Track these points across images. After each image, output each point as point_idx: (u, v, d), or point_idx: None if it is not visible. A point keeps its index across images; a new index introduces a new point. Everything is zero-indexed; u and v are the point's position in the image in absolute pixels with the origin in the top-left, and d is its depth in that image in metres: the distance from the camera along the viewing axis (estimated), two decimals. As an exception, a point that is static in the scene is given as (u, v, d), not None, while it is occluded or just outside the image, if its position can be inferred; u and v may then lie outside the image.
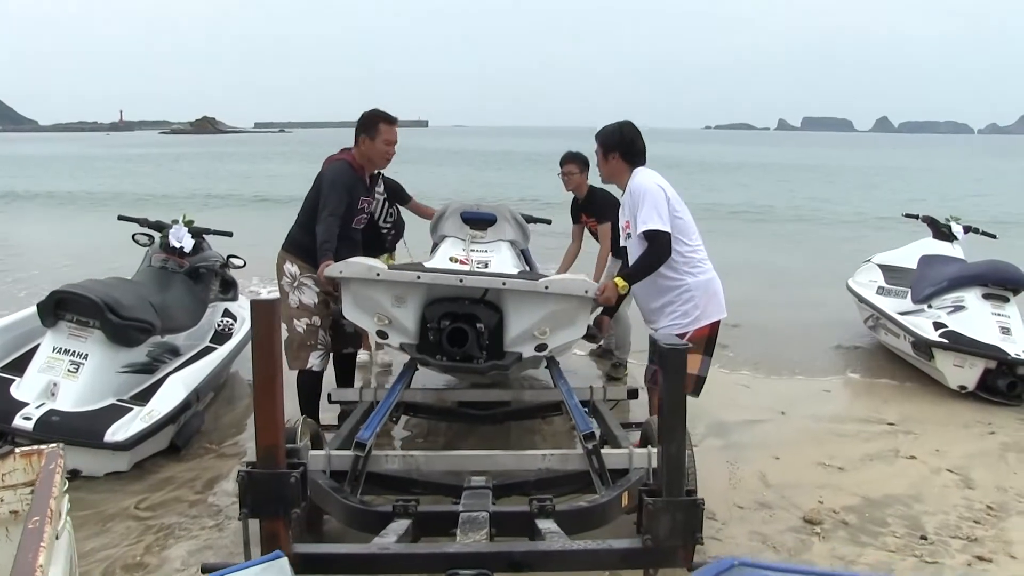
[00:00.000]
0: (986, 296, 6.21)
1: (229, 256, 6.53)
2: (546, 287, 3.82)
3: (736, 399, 5.89)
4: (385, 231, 5.56)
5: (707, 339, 4.12)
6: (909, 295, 6.87)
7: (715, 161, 51.05)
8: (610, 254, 5.83)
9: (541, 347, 4.00)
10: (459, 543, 2.51)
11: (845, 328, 7.81)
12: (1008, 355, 5.66)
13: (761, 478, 4.48)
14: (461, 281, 3.85)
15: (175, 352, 5.62)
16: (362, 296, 4.03)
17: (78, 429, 4.30)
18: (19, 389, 4.49)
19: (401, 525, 2.62)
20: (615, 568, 2.74)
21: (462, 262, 4.42)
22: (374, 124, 4.54)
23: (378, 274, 3.90)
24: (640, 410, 4.83)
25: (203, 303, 6.04)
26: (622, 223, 4.32)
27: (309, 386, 4.79)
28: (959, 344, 5.82)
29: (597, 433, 3.19)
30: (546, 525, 2.62)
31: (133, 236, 6.35)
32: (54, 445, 2.46)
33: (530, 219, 6.10)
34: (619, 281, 4.08)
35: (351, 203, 4.51)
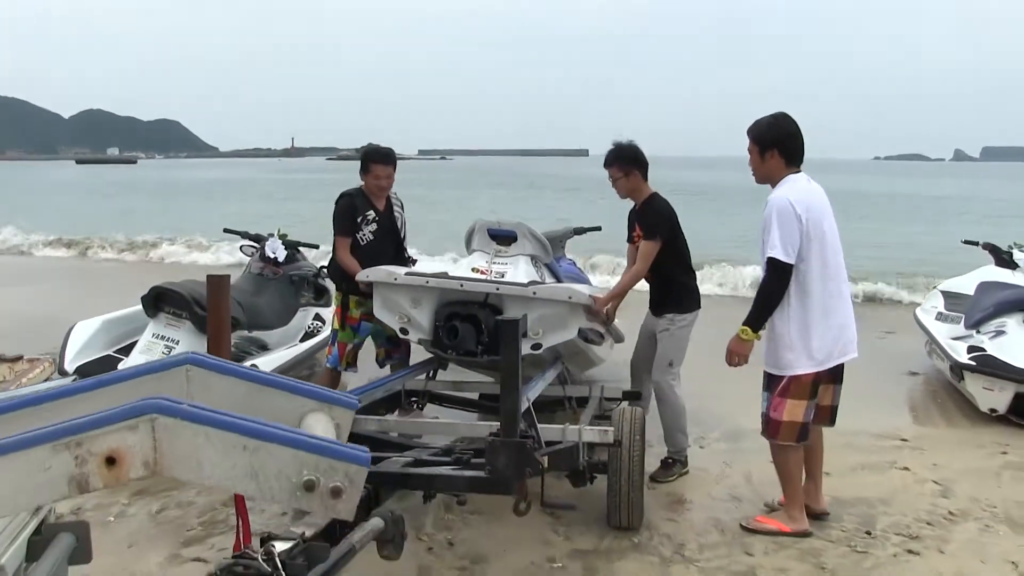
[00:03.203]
0: (1029, 321, 6.26)
1: (321, 266, 7.45)
2: (534, 293, 4.41)
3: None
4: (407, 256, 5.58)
5: (810, 386, 3.90)
6: (963, 321, 6.94)
7: (882, 192, 48.79)
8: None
9: (536, 346, 4.56)
10: None
11: (906, 355, 7.86)
12: (1037, 380, 5.71)
13: (747, 476, 4.85)
14: (461, 286, 4.51)
15: (263, 347, 6.54)
16: (388, 298, 4.75)
17: (165, 401, 5.23)
18: (124, 366, 5.49)
19: None
20: (464, 490, 3.31)
21: (482, 272, 5.05)
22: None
23: (396, 278, 4.62)
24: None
25: (292, 307, 6.96)
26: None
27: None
28: (988, 367, 5.91)
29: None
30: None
31: (241, 247, 7.41)
32: (45, 356, 3.20)
33: (581, 230, 6.65)
34: (742, 331, 3.90)
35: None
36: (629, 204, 5.00)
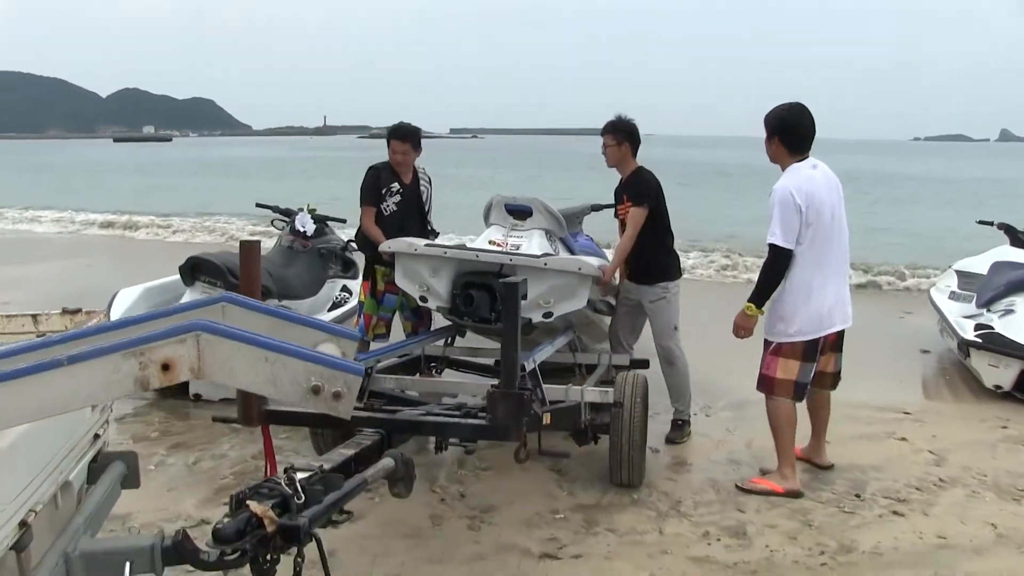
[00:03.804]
0: (1037, 300, 6.40)
1: (349, 240, 7.74)
2: (545, 264, 4.65)
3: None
4: (431, 228, 5.80)
5: (802, 350, 4.24)
6: (974, 300, 7.07)
7: (919, 175, 48.17)
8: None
9: (548, 314, 4.80)
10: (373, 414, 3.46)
11: (920, 334, 8.00)
12: (1041, 357, 5.86)
13: (748, 443, 5.08)
14: (477, 256, 4.76)
15: (292, 315, 6.85)
16: (409, 268, 5.02)
17: (200, 363, 5.57)
18: (163, 330, 5.84)
19: None
20: (469, 437, 3.60)
21: (499, 244, 5.30)
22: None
23: (416, 249, 4.89)
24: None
25: (320, 278, 7.26)
26: None
27: None
28: (993, 344, 6.07)
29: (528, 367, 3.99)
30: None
31: (272, 221, 7.73)
32: (99, 311, 3.53)
33: (598, 207, 6.88)
34: (747, 308, 4.28)
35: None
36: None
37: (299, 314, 2.40)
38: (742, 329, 4.37)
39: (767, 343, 4.37)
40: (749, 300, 4.32)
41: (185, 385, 5.66)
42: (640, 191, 5.06)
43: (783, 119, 4.26)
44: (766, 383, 4.38)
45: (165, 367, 1.69)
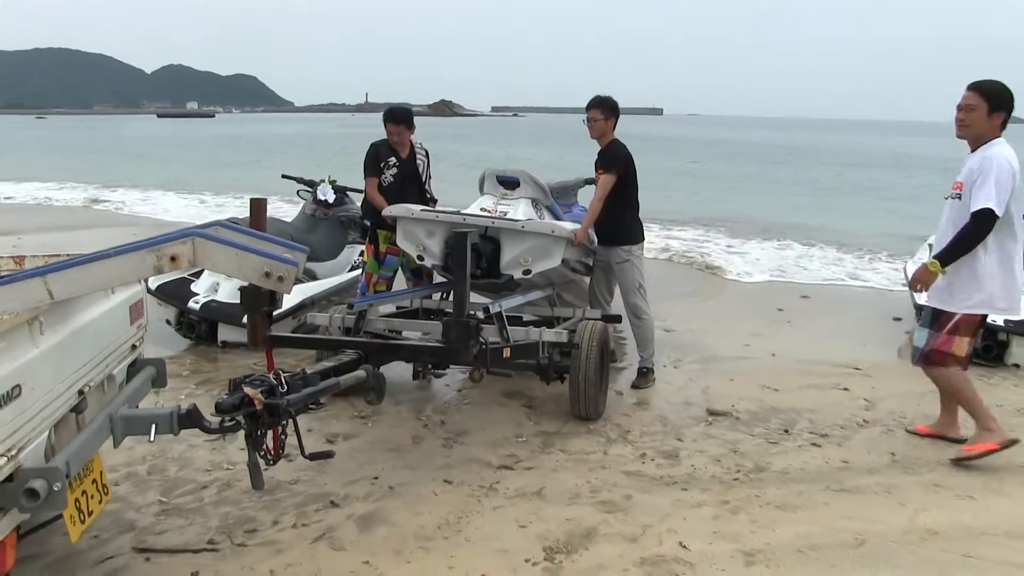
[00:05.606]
0: (988, 269, 6.91)
1: (367, 211, 8.47)
2: (522, 227, 5.33)
3: (747, 342, 7.03)
4: (429, 196, 6.39)
5: (975, 325, 4.39)
6: (940, 271, 7.59)
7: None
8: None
9: (527, 272, 5.48)
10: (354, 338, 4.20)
11: (901, 305, 8.50)
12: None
13: (704, 390, 5.73)
14: (464, 219, 5.45)
15: (313, 276, 7.61)
16: (408, 230, 5.72)
17: (227, 313, 6.35)
18: (196, 285, 6.64)
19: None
20: (430, 358, 4.32)
21: (489, 211, 5.98)
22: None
23: (412, 213, 5.59)
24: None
25: (340, 243, 8.02)
26: (954, 181, 4.38)
27: None
28: (940, 307, 6.61)
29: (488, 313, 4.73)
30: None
31: (298, 192, 8.50)
32: None
33: (591, 180, 7.49)
34: (932, 264, 4.27)
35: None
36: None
37: (268, 235, 3.19)
38: (921, 283, 4.43)
39: (942, 319, 4.44)
40: (935, 257, 4.33)
41: (214, 333, 6.47)
42: (611, 160, 5.74)
43: (1011, 99, 4.28)
44: (935, 358, 4.47)
45: (172, 259, 2.51)
